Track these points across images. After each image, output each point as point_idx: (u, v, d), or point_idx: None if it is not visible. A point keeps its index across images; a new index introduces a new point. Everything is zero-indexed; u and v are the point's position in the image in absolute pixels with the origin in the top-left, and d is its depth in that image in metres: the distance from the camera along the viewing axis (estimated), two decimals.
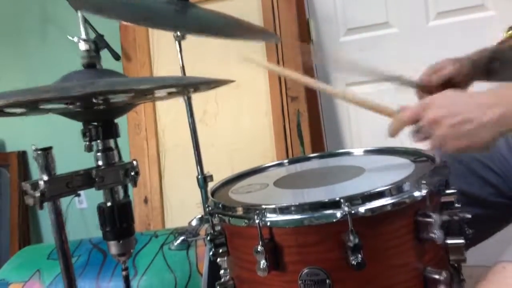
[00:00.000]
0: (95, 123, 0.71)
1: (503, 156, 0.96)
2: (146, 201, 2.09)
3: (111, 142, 0.73)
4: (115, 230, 0.73)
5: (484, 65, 0.96)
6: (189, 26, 1.07)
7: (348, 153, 0.99)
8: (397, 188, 0.65)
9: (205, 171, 1.24)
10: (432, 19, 1.77)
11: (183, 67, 1.24)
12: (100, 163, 0.73)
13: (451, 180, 0.74)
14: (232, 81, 0.72)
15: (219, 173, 1.10)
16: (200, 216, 1.17)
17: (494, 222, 0.98)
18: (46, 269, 1.48)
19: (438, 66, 1.00)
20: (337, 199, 0.62)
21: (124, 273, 0.83)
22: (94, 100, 0.61)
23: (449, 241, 0.69)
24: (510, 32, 1.02)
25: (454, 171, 0.75)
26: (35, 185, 0.66)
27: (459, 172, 0.95)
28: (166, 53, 2.06)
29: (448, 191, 0.72)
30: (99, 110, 0.70)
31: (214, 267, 0.90)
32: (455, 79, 0.99)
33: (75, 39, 0.72)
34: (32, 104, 0.58)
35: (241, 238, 0.71)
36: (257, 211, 0.65)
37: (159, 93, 0.70)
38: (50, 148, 0.68)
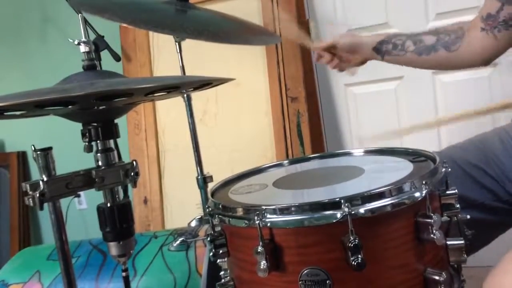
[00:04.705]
0: (95, 124, 0.71)
1: (499, 160, 0.96)
2: (145, 201, 2.09)
3: (111, 143, 0.73)
4: (115, 231, 0.73)
5: (377, 44, 1.14)
6: (189, 29, 1.07)
7: (348, 154, 0.99)
8: (397, 188, 0.65)
9: (205, 171, 1.24)
10: (432, 19, 1.77)
11: (183, 68, 1.24)
12: (100, 163, 0.73)
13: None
14: (231, 79, 0.72)
15: (219, 174, 1.10)
16: (199, 216, 1.16)
17: (494, 226, 0.98)
18: (45, 270, 1.48)
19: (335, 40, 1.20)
20: (337, 199, 0.62)
21: (123, 274, 0.83)
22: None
23: (449, 242, 0.69)
24: None
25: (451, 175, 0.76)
26: (35, 186, 0.66)
27: (456, 176, 0.95)
28: (166, 53, 2.07)
29: (448, 192, 0.72)
30: (99, 111, 0.70)
31: (213, 268, 0.90)
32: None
33: (75, 42, 0.72)
34: (32, 107, 0.58)
35: (241, 239, 0.71)
36: (257, 212, 0.64)
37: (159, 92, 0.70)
38: (50, 148, 0.68)
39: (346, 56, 1.20)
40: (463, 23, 1.07)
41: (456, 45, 1.04)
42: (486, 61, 1.05)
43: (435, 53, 1.06)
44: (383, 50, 1.13)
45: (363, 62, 1.22)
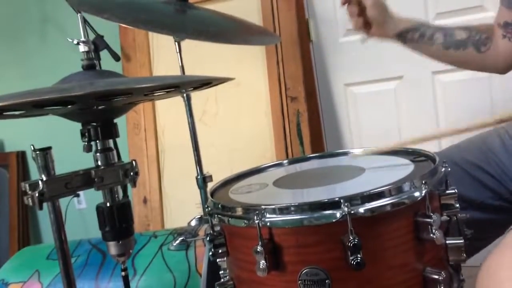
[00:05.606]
0: (94, 123, 0.71)
1: (499, 159, 0.96)
2: (145, 201, 2.09)
3: (110, 142, 0.73)
4: (114, 231, 0.73)
5: (403, 31, 1.12)
6: (189, 29, 1.07)
7: (347, 153, 0.99)
8: (397, 188, 0.65)
9: (205, 171, 1.24)
10: (432, 19, 1.77)
11: (182, 68, 1.24)
12: (99, 163, 0.73)
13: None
14: (231, 79, 0.72)
15: (218, 173, 1.10)
16: (199, 216, 1.17)
17: (496, 226, 0.98)
18: (45, 269, 1.48)
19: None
20: (337, 199, 0.62)
21: (123, 273, 0.83)
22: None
23: (448, 241, 0.69)
24: None
25: (451, 175, 0.76)
26: (34, 185, 0.66)
27: (456, 176, 0.95)
28: (165, 53, 2.06)
29: (447, 192, 0.72)
30: (98, 110, 0.70)
31: (213, 268, 0.90)
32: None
33: (75, 41, 0.72)
34: (31, 106, 0.58)
35: (240, 239, 0.71)
36: (257, 212, 0.64)
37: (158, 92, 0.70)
38: (49, 148, 0.68)
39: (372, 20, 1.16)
40: (491, 25, 1.05)
41: (486, 46, 1.03)
42: (507, 67, 1.04)
43: (464, 50, 1.04)
44: (408, 37, 1.11)
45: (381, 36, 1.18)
